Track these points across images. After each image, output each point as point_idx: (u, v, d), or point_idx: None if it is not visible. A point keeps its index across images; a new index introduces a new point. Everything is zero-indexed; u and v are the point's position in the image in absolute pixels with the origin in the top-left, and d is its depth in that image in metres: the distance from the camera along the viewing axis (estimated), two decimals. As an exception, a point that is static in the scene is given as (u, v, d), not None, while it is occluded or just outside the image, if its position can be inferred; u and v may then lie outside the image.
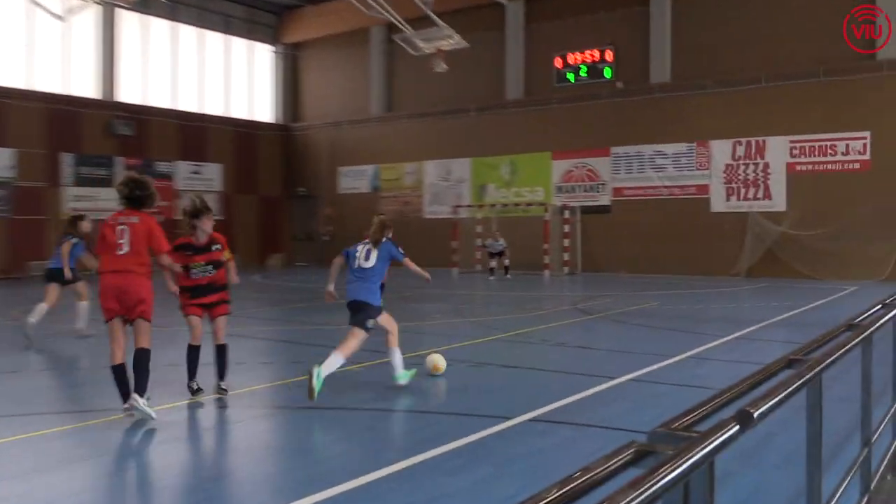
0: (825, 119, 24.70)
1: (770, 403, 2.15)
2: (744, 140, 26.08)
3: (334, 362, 7.53)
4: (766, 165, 25.70)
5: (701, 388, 7.64)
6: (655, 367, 9.14)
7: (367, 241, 8.16)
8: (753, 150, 25.96)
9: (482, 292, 21.51)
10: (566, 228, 28.24)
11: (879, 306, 4.76)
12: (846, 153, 24.49)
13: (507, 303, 18.40)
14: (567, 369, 9.16)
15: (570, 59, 29.39)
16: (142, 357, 6.53)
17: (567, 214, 28.51)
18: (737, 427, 1.83)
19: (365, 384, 8.19)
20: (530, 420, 6.56)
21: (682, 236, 26.87)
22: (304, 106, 37.26)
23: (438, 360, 8.72)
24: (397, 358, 8.11)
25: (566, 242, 28.00)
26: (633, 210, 28.06)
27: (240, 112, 36.15)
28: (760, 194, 25.76)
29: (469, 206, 31.04)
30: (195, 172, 33.40)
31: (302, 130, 37.05)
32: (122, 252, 6.56)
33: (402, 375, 8.12)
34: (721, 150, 26.45)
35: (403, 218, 33.42)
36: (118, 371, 6.57)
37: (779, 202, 25.48)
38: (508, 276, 26.29)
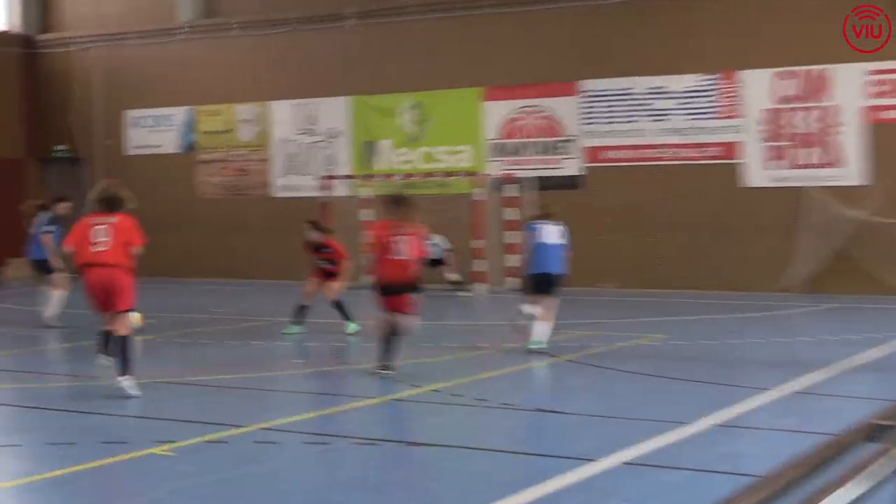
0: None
1: (842, 499, 2.26)
2: (796, 70, 26.71)
3: (545, 331, 15.24)
4: (833, 112, 26.46)
5: (733, 476, 7.83)
6: (660, 442, 9.38)
7: (548, 219, 16.13)
8: (810, 86, 26.65)
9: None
10: (509, 214, 28.32)
11: None
12: (959, 91, 25.48)
13: (416, 337, 18.24)
14: (516, 447, 9.41)
15: (516, -68, 29.57)
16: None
17: (511, 191, 28.69)
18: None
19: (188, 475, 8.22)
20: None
21: (699, 227, 27.37)
22: (61, 6, 36.48)
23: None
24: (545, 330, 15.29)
25: (509, 237, 27.97)
26: (619, 184, 28.34)
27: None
28: (823, 158, 26.56)
29: (349, 176, 30.87)
30: None
31: (59, 47, 36.19)
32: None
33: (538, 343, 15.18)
34: (758, 85, 27.04)
35: (239, 196, 33.24)
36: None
37: (852, 171, 26.23)
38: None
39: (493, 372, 13.86)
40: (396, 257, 13.35)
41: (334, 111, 31.99)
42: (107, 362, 11.95)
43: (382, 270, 13.51)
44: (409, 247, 13.46)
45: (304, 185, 32.10)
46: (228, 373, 14.04)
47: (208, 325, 20.36)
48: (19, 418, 11.35)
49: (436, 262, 25.84)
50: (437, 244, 26.09)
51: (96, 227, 12.23)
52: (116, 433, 10.04)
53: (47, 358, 16.50)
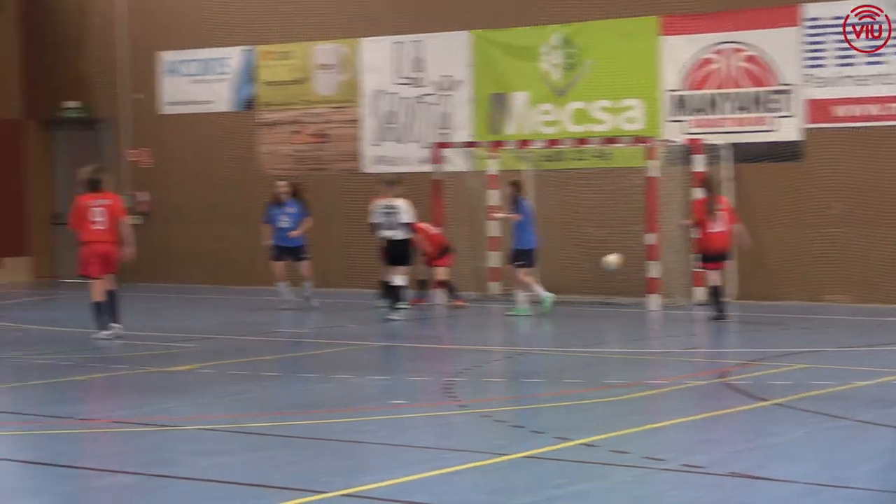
0: None
1: None
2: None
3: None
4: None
5: None
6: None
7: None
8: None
9: (497, 345, 23.06)
10: (700, 196, 27.38)
11: None
12: None
13: (558, 367, 19.11)
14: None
15: None
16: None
17: (700, 164, 27.80)
18: None
19: None
20: None
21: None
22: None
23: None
24: None
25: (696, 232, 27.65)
26: (856, 152, 27.68)
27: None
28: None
29: (471, 144, 30.63)
30: None
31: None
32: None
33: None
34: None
35: (316, 172, 32.85)
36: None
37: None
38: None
39: (668, 421, 13.69)
40: None
41: (448, 51, 32.23)
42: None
43: None
44: None
45: (407, 158, 32.34)
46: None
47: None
48: None
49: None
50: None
51: None
52: None
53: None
